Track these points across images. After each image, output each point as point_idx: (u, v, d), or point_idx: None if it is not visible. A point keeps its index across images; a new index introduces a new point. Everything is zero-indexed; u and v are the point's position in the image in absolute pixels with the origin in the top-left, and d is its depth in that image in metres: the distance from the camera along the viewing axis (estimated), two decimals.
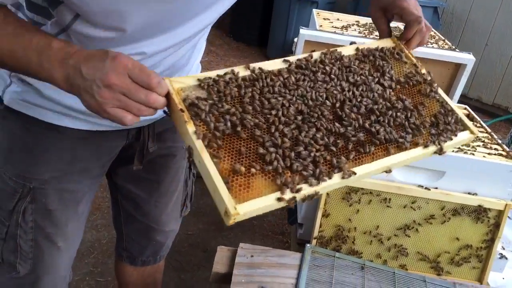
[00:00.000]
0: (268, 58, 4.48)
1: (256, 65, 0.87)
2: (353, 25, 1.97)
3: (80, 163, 1.06)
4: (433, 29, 2.08)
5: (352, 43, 1.01)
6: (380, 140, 0.85)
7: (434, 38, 1.90)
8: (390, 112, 0.90)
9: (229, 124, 0.77)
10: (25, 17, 0.88)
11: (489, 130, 1.46)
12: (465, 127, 0.95)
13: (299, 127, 0.81)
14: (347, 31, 1.85)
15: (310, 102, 0.85)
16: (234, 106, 0.80)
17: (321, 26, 1.88)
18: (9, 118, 1.00)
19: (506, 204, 1.25)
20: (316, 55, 0.94)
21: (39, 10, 0.86)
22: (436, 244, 1.29)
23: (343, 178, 0.79)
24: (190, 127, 0.75)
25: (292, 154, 0.77)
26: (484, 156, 1.28)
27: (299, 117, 0.83)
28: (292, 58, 0.91)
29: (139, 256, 1.40)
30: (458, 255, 1.29)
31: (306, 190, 0.75)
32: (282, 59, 0.90)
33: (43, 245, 1.09)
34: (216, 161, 0.73)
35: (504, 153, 1.32)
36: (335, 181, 0.78)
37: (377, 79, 0.95)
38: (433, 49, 1.67)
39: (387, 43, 1.02)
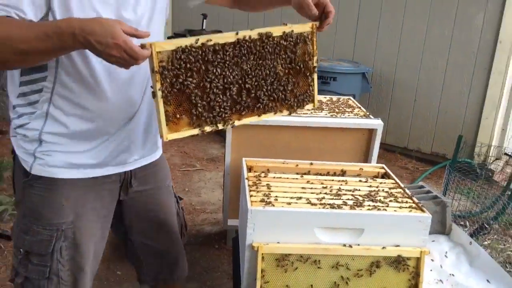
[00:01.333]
0: (219, 135, 4.68)
1: (212, 37, 1.25)
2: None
3: (89, 204, 1.40)
4: (351, 98, 2.33)
5: (284, 24, 1.36)
6: (261, 102, 1.36)
7: (351, 108, 2.12)
8: (274, 85, 1.38)
9: (179, 86, 1.22)
10: None
11: (402, 185, 1.63)
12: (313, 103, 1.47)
13: (219, 91, 1.29)
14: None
15: (232, 74, 1.30)
16: (186, 72, 1.22)
17: None
18: (35, 185, 1.35)
19: (421, 251, 1.40)
20: (254, 34, 1.31)
21: None
22: None
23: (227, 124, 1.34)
24: (157, 82, 1.19)
25: (207, 107, 1.28)
26: (395, 210, 1.44)
27: (221, 82, 1.29)
28: (240, 34, 1.29)
29: (163, 274, 1.69)
30: None
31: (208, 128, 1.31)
32: (234, 32, 1.28)
33: (75, 273, 1.40)
34: (165, 106, 1.21)
35: (414, 205, 1.48)
36: (222, 126, 1.33)
37: (280, 59, 1.37)
38: (347, 119, 1.87)
39: (306, 28, 1.40)
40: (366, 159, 1.92)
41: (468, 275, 1.96)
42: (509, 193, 3.13)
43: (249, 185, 1.54)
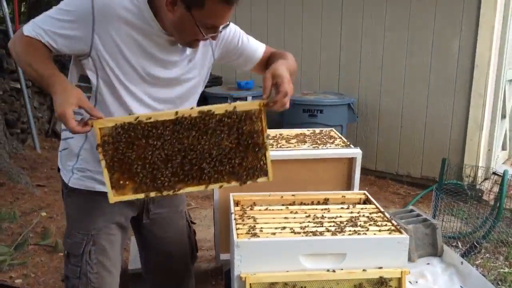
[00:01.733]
0: None
1: (152, 115, 1.40)
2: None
3: (113, 215, 1.61)
4: (333, 130, 2.44)
5: (230, 101, 1.40)
6: (207, 174, 1.45)
7: (333, 139, 2.22)
8: (219, 158, 1.44)
9: (120, 157, 1.39)
10: None
11: (382, 209, 1.71)
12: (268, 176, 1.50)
13: (161, 162, 1.42)
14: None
15: (173, 148, 1.41)
16: (128, 145, 1.39)
17: None
18: (72, 195, 1.61)
19: (402, 271, 1.46)
20: (194, 113, 1.40)
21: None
22: None
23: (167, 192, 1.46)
24: (100, 154, 1.38)
25: (149, 176, 1.43)
26: (375, 234, 1.51)
27: (163, 154, 1.41)
28: (180, 113, 1.39)
29: None
30: None
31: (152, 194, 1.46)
32: (174, 111, 1.40)
33: (103, 274, 1.59)
34: (111, 174, 1.40)
35: (393, 227, 1.56)
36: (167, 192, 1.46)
37: (225, 135, 1.43)
38: (327, 150, 1.97)
39: (254, 106, 1.43)
40: (348, 186, 2.01)
41: None
42: (497, 211, 3.20)
43: (235, 219, 1.62)
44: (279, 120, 4.39)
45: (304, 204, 1.80)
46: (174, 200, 1.77)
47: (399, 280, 1.47)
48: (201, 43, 1.52)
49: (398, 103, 4.56)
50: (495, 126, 4.47)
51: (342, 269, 1.47)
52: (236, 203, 1.78)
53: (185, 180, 1.45)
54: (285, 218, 1.63)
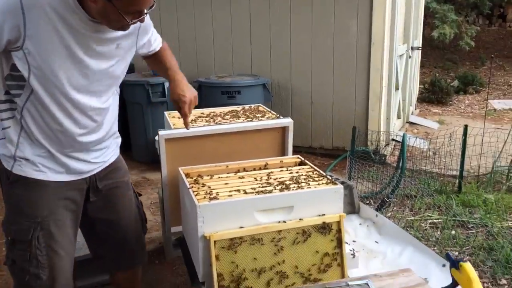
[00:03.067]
0: (135, 160, 4.79)
1: None
2: (199, 117, 2.43)
3: (60, 202, 1.66)
4: (261, 105, 2.66)
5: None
6: None
7: (262, 113, 2.44)
8: None
9: None
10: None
11: (316, 168, 1.97)
12: None
13: None
14: (196, 123, 2.30)
15: None
16: None
17: (174, 124, 2.30)
18: (15, 185, 1.62)
19: (340, 215, 1.73)
20: None
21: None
22: (305, 260, 1.70)
23: None
24: None
25: None
26: (315, 187, 1.76)
27: None
28: None
29: (125, 263, 1.94)
30: (322, 263, 1.72)
31: None
32: None
33: (52, 256, 1.65)
34: None
35: (328, 181, 1.82)
36: None
37: None
38: (262, 121, 2.19)
39: None
40: (283, 153, 2.24)
41: (379, 242, 2.37)
42: (399, 171, 3.68)
43: (191, 187, 1.77)
44: (199, 103, 4.52)
45: (248, 171, 2.00)
46: (118, 172, 1.85)
47: (338, 223, 1.73)
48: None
49: (308, 81, 4.93)
50: (391, 97, 5.03)
51: (291, 220, 1.70)
52: (187, 175, 1.92)
53: None
54: (236, 183, 1.82)
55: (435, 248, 2.88)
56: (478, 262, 2.73)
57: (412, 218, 3.39)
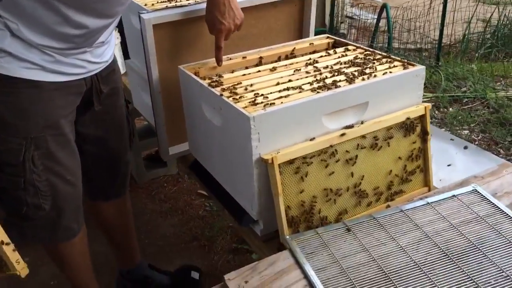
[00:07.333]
0: None
1: None
2: None
3: (58, 111, 1.30)
4: None
5: None
6: None
7: None
8: None
9: None
10: None
11: (369, 48, 1.47)
12: None
13: None
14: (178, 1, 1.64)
15: None
16: None
17: (146, 4, 1.62)
18: None
19: (425, 107, 1.30)
20: None
21: None
22: (385, 171, 1.28)
23: None
24: None
25: None
26: (390, 72, 1.28)
27: None
28: None
29: (111, 190, 1.66)
30: (405, 172, 1.31)
31: None
32: None
33: (55, 182, 1.33)
34: None
35: (400, 63, 1.34)
36: None
37: None
38: None
39: None
40: (300, 35, 1.70)
41: None
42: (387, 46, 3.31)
43: (219, 92, 1.21)
44: None
45: (271, 62, 1.46)
46: (113, 76, 1.51)
47: (423, 116, 1.30)
48: None
49: None
50: None
51: (367, 120, 1.23)
52: (196, 75, 1.34)
53: None
54: (277, 78, 1.29)
55: (443, 129, 2.61)
56: (495, 138, 2.52)
57: None
